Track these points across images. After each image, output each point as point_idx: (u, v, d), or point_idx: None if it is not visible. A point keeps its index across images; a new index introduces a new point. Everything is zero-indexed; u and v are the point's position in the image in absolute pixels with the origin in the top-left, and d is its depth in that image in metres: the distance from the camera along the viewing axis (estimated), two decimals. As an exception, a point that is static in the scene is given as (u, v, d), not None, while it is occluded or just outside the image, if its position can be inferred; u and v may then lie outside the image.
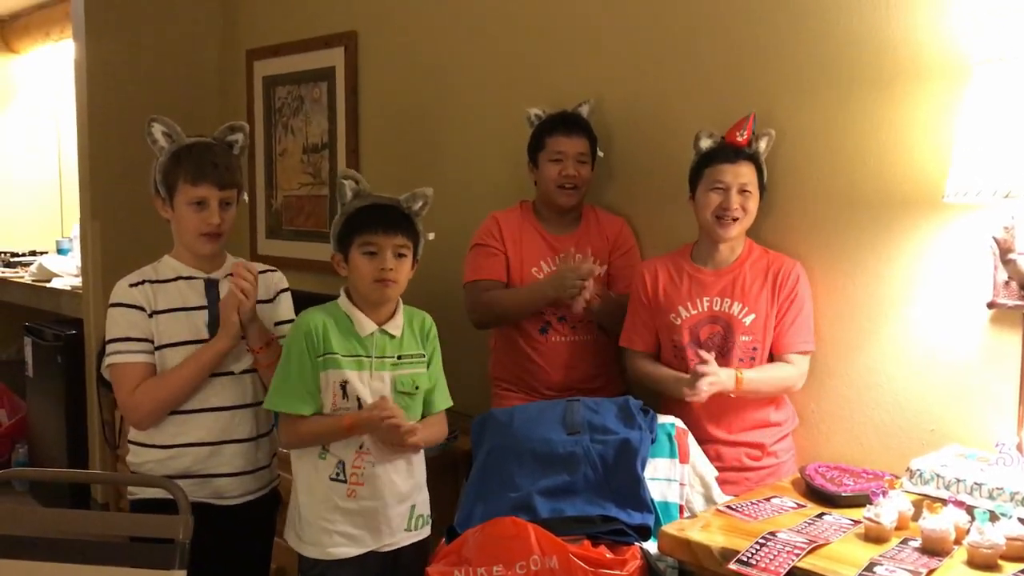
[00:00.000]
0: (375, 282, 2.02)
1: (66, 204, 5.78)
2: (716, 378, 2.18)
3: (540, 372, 2.64)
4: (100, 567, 1.84)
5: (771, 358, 2.32)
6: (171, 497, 1.89)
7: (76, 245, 4.82)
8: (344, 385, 2.03)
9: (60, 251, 5.39)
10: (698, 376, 2.17)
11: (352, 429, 2.01)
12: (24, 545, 1.90)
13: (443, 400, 2.19)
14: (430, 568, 2.01)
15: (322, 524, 2.06)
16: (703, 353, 2.21)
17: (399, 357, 2.09)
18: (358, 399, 2.03)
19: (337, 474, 2.05)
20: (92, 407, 4.26)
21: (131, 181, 3.55)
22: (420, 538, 2.15)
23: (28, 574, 1.86)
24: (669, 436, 2.21)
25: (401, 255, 2.05)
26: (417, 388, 2.10)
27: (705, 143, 2.36)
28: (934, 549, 1.75)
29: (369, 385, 2.04)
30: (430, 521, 2.18)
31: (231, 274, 2.14)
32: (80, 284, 4.40)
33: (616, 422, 2.19)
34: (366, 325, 2.06)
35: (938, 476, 1.96)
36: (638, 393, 2.37)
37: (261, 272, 2.21)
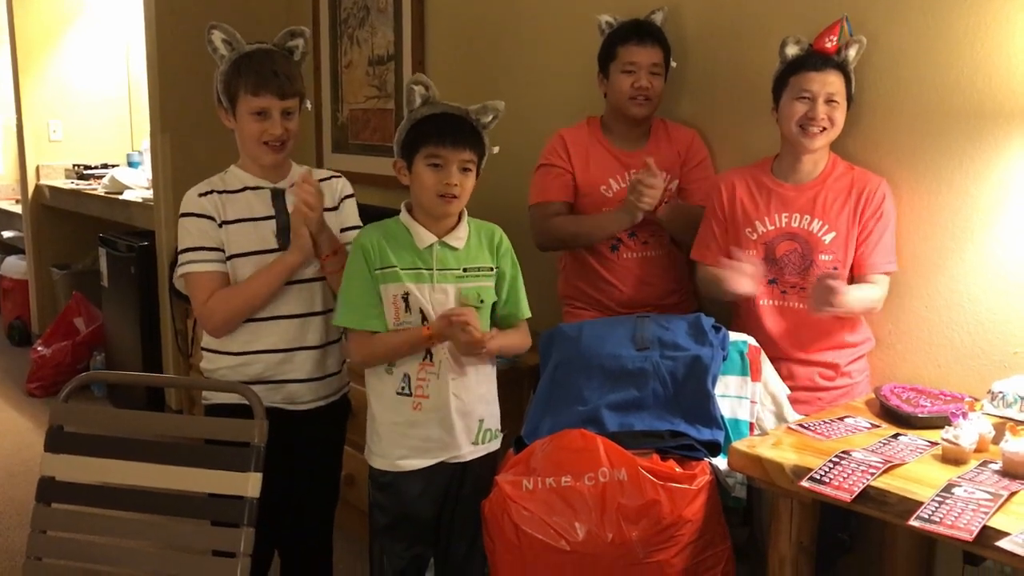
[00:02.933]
0: (439, 196, 1.99)
1: (136, 118, 5.84)
2: (844, 297, 2.09)
3: (612, 290, 2.59)
4: (177, 467, 1.89)
5: (851, 279, 2.25)
6: (244, 402, 1.92)
7: (146, 158, 4.88)
8: (406, 297, 2.01)
9: (131, 164, 5.47)
10: (830, 288, 2.07)
11: (432, 339, 1.99)
12: (103, 444, 1.96)
13: (523, 310, 2.15)
14: (499, 477, 2.03)
15: (391, 436, 2.08)
16: (831, 272, 2.15)
17: (464, 270, 2.06)
18: (421, 312, 2.02)
19: (403, 388, 2.05)
20: (165, 316, 4.37)
21: (199, 94, 3.52)
22: (488, 451, 2.15)
23: (106, 472, 1.92)
24: (741, 354, 2.18)
25: (466, 170, 2.01)
26: (482, 302, 2.07)
27: (791, 50, 2.25)
28: (1016, 472, 1.71)
29: (431, 298, 2.03)
30: (500, 436, 2.18)
31: (294, 185, 2.14)
32: (151, 196, 4.47)
33: (687, 339, 2.17)
34: (425, 238, 2.03)
35: (1022, 399, 1.90)
36: (711, 310, 2.32)
37: (324, 180, 2.19)
